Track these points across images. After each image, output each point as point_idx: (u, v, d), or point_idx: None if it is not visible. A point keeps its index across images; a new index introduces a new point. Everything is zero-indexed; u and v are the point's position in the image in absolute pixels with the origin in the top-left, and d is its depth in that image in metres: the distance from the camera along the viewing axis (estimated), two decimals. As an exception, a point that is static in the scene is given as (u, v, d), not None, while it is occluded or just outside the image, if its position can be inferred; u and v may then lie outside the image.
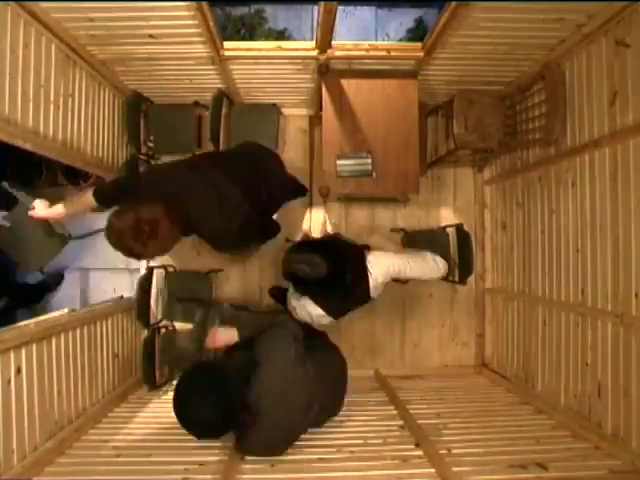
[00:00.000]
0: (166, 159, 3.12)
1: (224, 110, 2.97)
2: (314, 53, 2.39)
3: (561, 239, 2.42)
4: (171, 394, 1.92)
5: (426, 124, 3.10)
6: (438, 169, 3.27)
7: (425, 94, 2.88)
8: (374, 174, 2.60)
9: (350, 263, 2.08)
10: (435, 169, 3.26)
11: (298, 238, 3.12)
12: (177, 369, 2.94)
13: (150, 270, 2.95)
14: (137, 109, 2.96)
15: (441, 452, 1.95)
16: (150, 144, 2.97)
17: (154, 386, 2.84)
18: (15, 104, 1.87)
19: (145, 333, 2.96)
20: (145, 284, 2.90)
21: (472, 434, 2.15)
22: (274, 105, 3.05)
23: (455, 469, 1.81)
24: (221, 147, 2.96)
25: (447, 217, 3.29)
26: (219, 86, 2.81)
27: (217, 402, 1.78)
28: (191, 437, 2.13)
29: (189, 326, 2.96)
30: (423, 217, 3.30)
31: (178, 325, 3.01)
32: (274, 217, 2.54)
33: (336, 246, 2.20)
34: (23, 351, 1.86)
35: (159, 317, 3.03)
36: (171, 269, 3.09)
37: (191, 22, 2.04)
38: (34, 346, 1.94)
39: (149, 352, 2.83)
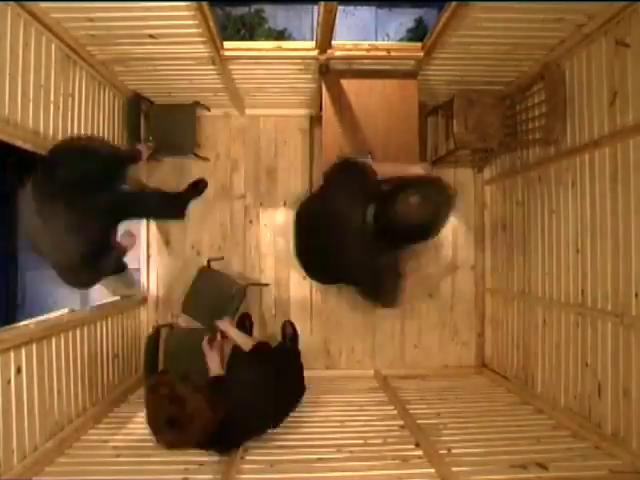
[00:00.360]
0: (167, 160, 3.17)
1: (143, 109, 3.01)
2: (314, 53, 2.39)
3: (561, 239, 2.42)
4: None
5: (426, 124, 3.10)
6: (438, 169, 3.26)
7: (425, 94, 2.88)
8: (374, 174, 2.60)
9: None
10: (435, 169, 3.25)
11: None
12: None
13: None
14: (137, 109, 2.96)
15: (441, 452, 1.96)
16: (150, 144, 2.98)
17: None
18: (15, 104, 1.87)
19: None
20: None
21: (472, 434, 2.15)
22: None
23: (455, 469, 1.81)
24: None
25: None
26: (219, 85, 2.81)
27: None
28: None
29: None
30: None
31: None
32: None
33: None
34: (23, 351, 1.86)
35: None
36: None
37: (191, 22, 2.04)
38: (34, 346, 1.94)
39: (152, 350, 2.82)
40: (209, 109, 3.12)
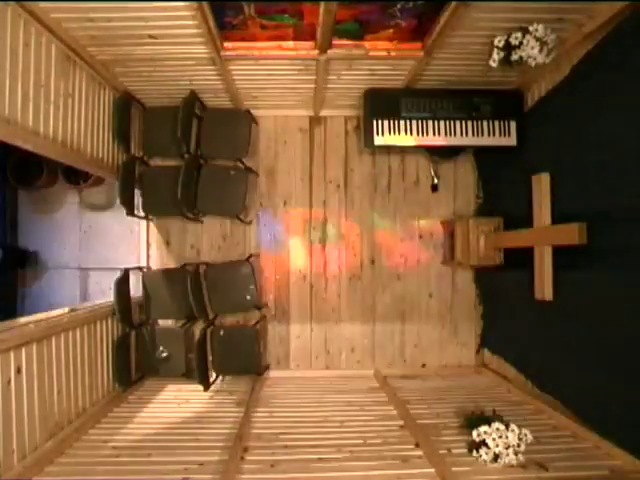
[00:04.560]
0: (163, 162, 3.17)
1: (197, 113, 2.99)
2: (314, 53, 2.39)
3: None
4: (167, 394, 1.91)
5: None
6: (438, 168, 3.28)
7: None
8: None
9: None
10: (435, 168, 3.27)
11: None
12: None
13: (126, 272, 2.90)
14: (127, 110, 2.91)
15: (441, 452, 1.96)
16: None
17: (129, 384, 2.83)
18: (15, 104, 1.87)
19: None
20: (123, 286, 2.83)
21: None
22: (247, 112, 3.08)
23: (455, 469, 1.81)
24: (191, 149, 2.95)
25: (447, 217, 3.30)
26: (219, 86, 2.81)
27: None
28: (191, 437, 2.15)
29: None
30: (423, 216, 3.30)
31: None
32: None
33: None
34: (23, 351, 1.86)
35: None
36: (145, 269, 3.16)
37: (191, 22, 2.04)
38: (34, 346, 1.94)
39: (124, 351, 2.81)
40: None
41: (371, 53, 2.41)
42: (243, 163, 3.08)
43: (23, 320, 2.02)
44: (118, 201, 2.88)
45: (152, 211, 3.06)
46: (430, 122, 2.79)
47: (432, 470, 1.82)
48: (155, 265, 3.24)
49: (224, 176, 3.02)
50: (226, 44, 2.37)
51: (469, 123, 2.78)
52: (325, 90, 2.88)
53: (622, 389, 1.91)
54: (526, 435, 1.89)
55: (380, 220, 3.31)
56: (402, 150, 3.21)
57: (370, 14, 2.09)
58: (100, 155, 2.71)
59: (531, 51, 2.06)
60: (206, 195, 2.98)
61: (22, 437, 1.83)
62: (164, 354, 2.88)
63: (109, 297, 2.80)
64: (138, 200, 2.98)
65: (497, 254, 2.85)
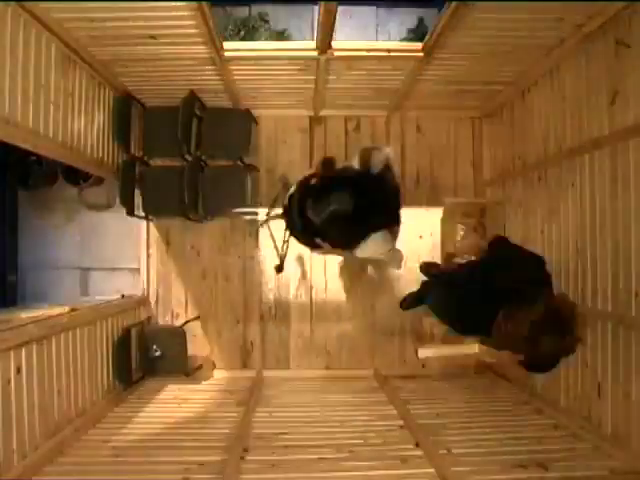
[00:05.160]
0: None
1: (197, 113, 2.98)
2: (314, 53, 2.39)
3: (561, 239, 2.42)
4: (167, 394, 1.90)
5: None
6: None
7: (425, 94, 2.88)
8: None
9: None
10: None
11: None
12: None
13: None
14: (127, 110, 2.91)
15: (441, 452, 1.95)
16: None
17: (130, 384, 2.82)
18: (15, 104, 1.87)
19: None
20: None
21: (472, 434, 2.15)
22: (247, 111, 3.08)
23: (455, 469, 1.81)
24: (191, 149, 2.95)
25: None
26: (219, 86, 2.81)
27: None
28: (191, 437, 2.14)
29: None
30: (424, 215, 3.30)
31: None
32: None
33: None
34: (23, 351, 1.86)
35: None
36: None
37: (191, 22, 2.04)
38: (34, 346, 1.93)
39: (124, 351, 2.79)
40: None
41: (371, 53, 2.41)
42: (243, 162, 3.08)
43: (23, 318, 2.02)
44: (118, 201, 2.88)
45: (152, 211, 3.07)
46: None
47: (432, 470, 1.82)
48: (155, 265, 3.24)
49: (227, 176, 3.01)
50: (226, 44, 2.37)
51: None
52: (325, 90, 2.88)
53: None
54: None
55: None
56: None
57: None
58: (100, 155, 2.71)
59: None
60: (212, 197, 2.98)
61: (22, 437, 1.83)
62: (157, 353, 2.86)
63: (109, 297, 2.81)
64: (138, 200, 2.99)
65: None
